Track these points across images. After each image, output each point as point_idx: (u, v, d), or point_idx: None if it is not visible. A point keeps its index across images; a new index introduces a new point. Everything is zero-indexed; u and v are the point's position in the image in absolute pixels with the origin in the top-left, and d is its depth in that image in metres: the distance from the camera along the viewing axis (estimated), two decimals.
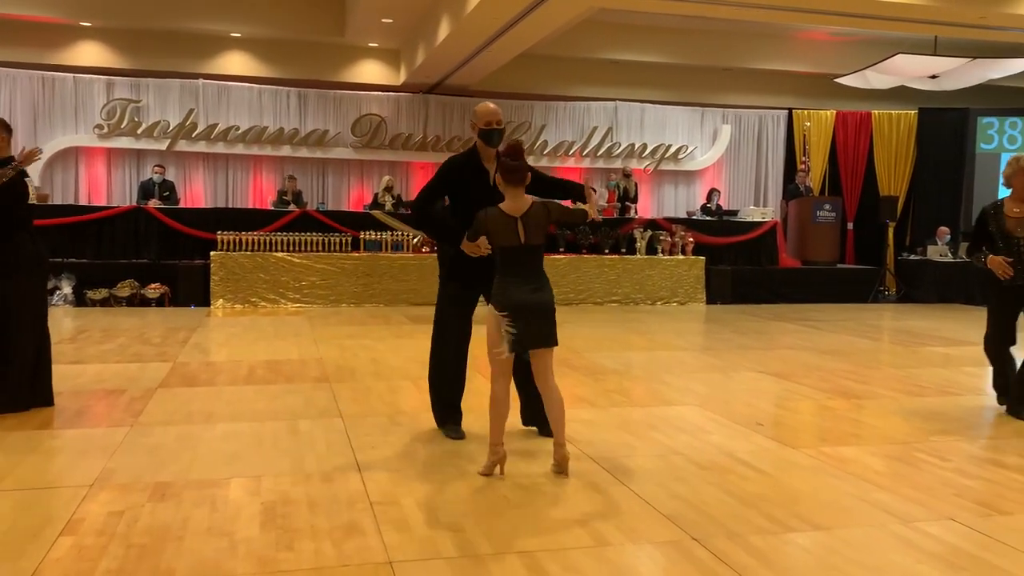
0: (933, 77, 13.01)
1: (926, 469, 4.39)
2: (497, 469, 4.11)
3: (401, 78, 14.41)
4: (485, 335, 4.15)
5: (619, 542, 3.33)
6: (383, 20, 12.49)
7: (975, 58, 12.30)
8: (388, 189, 13.11)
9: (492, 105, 4.68)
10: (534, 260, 4.12)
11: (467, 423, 4.95)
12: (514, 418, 5.01)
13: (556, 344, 4.15)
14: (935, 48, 12.36)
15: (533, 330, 4.02)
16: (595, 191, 4.70)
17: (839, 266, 14.41)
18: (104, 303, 10.87)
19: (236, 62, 13.97)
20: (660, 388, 6.39)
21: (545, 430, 4.69)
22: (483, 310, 4.36)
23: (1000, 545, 3.36)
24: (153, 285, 11.07)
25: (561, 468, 4.15)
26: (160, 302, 11.03)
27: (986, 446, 4.90)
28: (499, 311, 4.01)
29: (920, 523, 3.58)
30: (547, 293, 4.10)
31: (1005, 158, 15.49)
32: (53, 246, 9.89)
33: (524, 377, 4.55)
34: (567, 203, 4.69)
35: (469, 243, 4.31)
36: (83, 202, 13.19)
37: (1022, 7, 9.67)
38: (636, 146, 15.60)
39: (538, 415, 4.61)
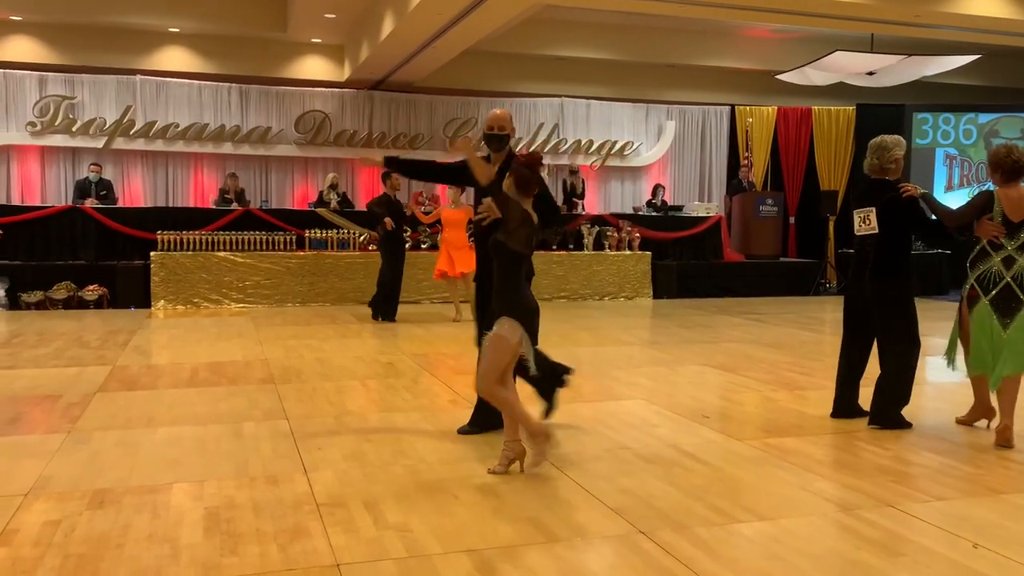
0: (870, 74, 13.30)
1: (866, 458, 4.49)
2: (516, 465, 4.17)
3: (345, 74, 14.25)
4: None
5: (567, 537, 3.34)
6: (326, 15, 12.34)
7: (910, 55, 12.61)
8: (333, 187, 12.97)
9: (498, 111, 4.86)
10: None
11: (413, 420, 4.91)
12: (457, 422, 5.01)
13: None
14: (872, 45, 12.64)
15: (534, 331, 4.18)
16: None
17: (782, 260, 14.68)
18: (39, 306, 10.56)
19: (175, 58, 13.67)
20: (608, 383, 6.43)
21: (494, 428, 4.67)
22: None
23: (938, 530, 3.45)
24: (91, 287, 10.79)
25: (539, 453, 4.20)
26: (98, 304, 10.76)
27: (922, 434, 5.02)
28: (520, 318, 4.08)
29: (860, 511, 3.66)
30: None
31: (940, 153, 15.99)
32: None
33: None
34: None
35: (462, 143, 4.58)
36: (16, 202, 12.78)
37: (954, 6, 9.95)
38: (582, 142, 15.67)
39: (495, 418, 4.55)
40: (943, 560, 3.17)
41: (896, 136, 5.39)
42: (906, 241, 5.21)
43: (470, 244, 10.13)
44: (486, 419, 4.76)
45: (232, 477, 4.04)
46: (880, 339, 5.17)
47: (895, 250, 5.17)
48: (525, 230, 4.07)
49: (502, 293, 4.12)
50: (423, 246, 12.05)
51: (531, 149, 15.43)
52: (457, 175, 5.02)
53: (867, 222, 5.28)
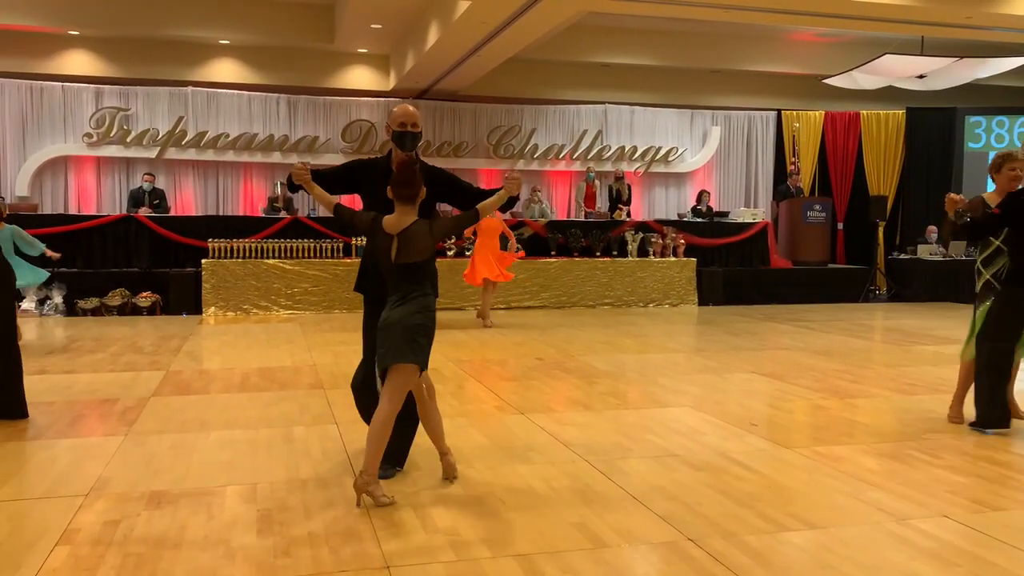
0: (920, 77, 13.09)
1: (919, 467, 4.42)
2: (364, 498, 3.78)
3: (391, 83, 14.41)
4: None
5: (616, 544, 3.34)
6: (372, 26, 12.50)
7: (962, 58, 12.38)
8: None
9: (410, 107, 4.35)
10: (405, 277, 3.83)
11: (459, 425, 4.94)
12: (504, 428, 5.02)
13: (411, 361, 3.81)
14: (922, 48, 12.43)
15: (384, 349, 3.78)
16: (515, 175, 4.17)
17: (830, 266, 14.48)
18: (95, 312, 10.83)
19: (225, 69, 13.96)
20: (654, 390, 6.41)
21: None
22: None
23: (993, 541, 3.39)
24: (144, 294, 11.04)
25: (448, 475, 4.13)
26: (151, 311, 11.00)
27: (978, 443, 4.92)
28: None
29: (914, 520, 3.61)
30: (408, 308, 3.81)
31: (993, 157, 15.63)
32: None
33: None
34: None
35: (298, 167, 4.05)
36: (73, 211, 13.16)
37: (1007, 7, 9.75)
38: (626, 149, 15.64)
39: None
40: (1000, 571, 3.10)
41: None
42: None
43: (504, 252, 10.17)
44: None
45: (283, 480, 4.11)
46: None
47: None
48: (374, 239, 3.87)
49: None
50: (467, 253, 12.11)
51: (575, 155, 15.45)
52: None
53: None
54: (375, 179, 4.13)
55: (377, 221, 3.83)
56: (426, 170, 4.12)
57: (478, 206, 4.00)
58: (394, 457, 4.17)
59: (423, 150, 14.75)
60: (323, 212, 13.99)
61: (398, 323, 3.76)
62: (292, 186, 4.18)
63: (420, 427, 4.24)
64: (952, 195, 5.15)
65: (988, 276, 5.27)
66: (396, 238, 3.78)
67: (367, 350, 4.23)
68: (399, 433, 3.99)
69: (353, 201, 4.31)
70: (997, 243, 5.24)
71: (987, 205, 5.26)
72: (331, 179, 4.20)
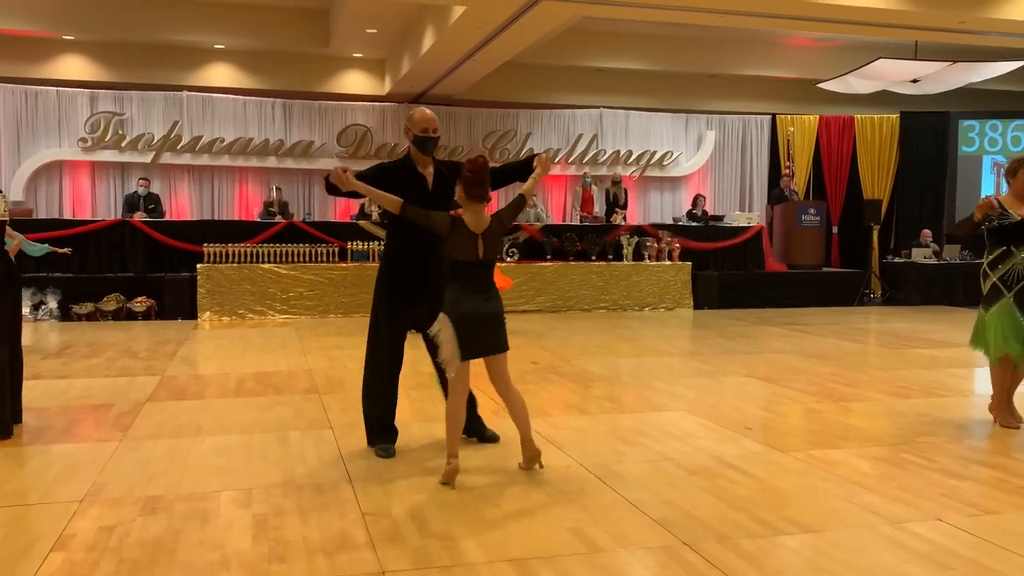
0: (914, 81, 13.13)
1: (913, 470, 4.43)
2: (538, 464, 4.27)
3: (386, 88, 14.43)
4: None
5: (611, 548, 3.34)
6: (368, 30, 12.51)
7: (955, 62, 12.43)
8: None
9: (429, 112, 4.56)
10: (488, 273, 4.21)
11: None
12: (501, 432, 5.01)
13: (507, 349, 4.28)
14: (916, 52, 12.48)
15: (480, 339, 4.12)
16: (544, 157, 4.62)
17: (824, 270, 14.50)
18: (90, 317, 10.82)
19: (220, 74, 13.96)
20: (649, 394, 6.41)
21: (482, 436, 4.87)
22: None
23: (988, 544, 3.40)
24: (139, 298, 11.02)
25: (531, 463, 4.28)
26: (146, 315, 10.98)
27: (972, 447, 4.94)
28: (452, 322, 4.07)
29: (908, 524, 3.62)
30: (498, 302, 4.22)
31: (987, 160, 15.71)
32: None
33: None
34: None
35: (338, 172, 4.22)
36: (67, 216, 13.14)
37: (1000, 11, 9.80)
38: (621, 153, 15.67)
39: (466, 426, 4.66)
40: (994, 575, 3.12)
41: None
42: None
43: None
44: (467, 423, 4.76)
45: (279, 485, 4.11)
46: None
47: None
48: (456, 238, 4.07)
49: (445, 295, 4.17)
50: None
51: (570, 159, 15.47)
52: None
53: None
54: (406, 182, 4.38)
55: (458, 221, 4.06)
56: (450, 166, 4.57)
57: (521, 191, 4.37)
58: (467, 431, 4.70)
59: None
60: (319, 216, 14.03)
61: (497, 316, 4.16)
62: (331, 188, 4.36)
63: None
64: (991, 199, 5.13)
65: (995, 279, 5.22)
66: (481, 237, 4.05)
67: (394, 345, 4.58)
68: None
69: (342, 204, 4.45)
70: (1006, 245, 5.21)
71: (1003, 208, 5.17)
72: (368, 181, 4.33)
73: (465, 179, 4.06)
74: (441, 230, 4.09)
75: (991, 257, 5.29)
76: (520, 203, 4.36)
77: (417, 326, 4.65)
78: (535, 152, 15.04)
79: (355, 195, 4.45)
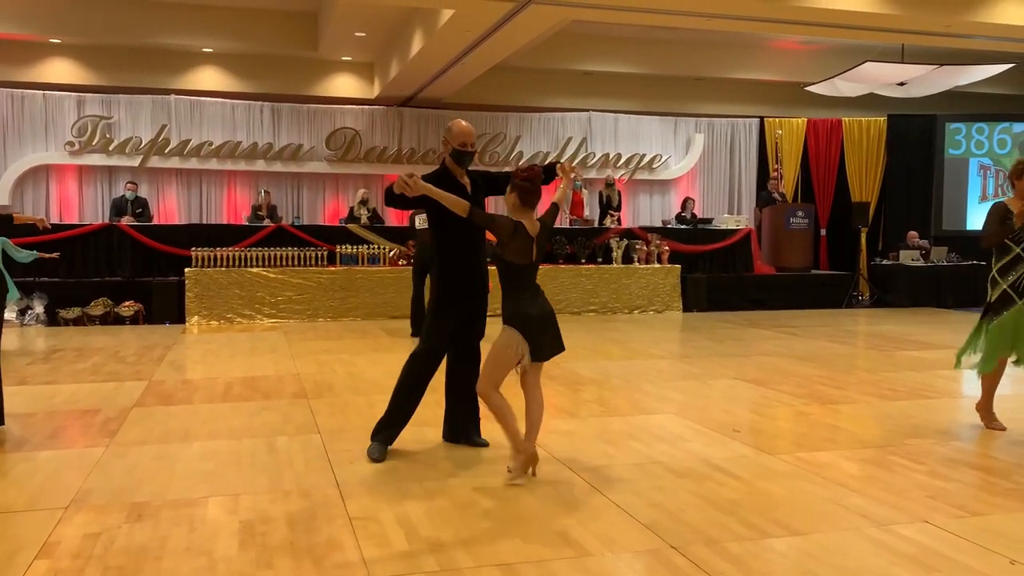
0: (901, 84, 13.20)
1: (900, 472, 4.45)
2: (531, 470, 4.29)
3: (375, 91, 14.41)
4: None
5: (599, 552, 3.34)
6: (356, 34, 12.50)
7: (941, 65, 12.50)
8: (364, 202, 13.10)
9: (468, 125, 4.70)
10: (536, 275, 4.38)
11: (442, 434, 4.95)
12: (490, 436, 5.01)
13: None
14: (902, 56, 12.55)
15: (550, 339, 4.29)
16: (568, 165, 4.83)
17: (813, 272, 14.55)
18: (77, 322, 10.76)
19: (208, 77, 13.91)
20: (638, 397, 6.42)
21: (470, 440, 4.90)
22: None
23: (973, 546, 3.41)
24: (127, 303, 10.98)
25: (526, 467, 4.27)
26: (134, 320, 10.93)
27: (959, 448, 4.96)
28: (517, 326, 4.20)
29: (895, 526, 3.63)
30: (549, 303, 4.40)
31: (973, 163, 15.80)
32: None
33: (457, 390, 4.84)
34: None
35: (405, 178, 4.20)
36: (54, 220, 13.04)
37: (985, 15, 9.86)
38: (611, 156, 15.70)
39: (459, 429, 4.89)
40: None
41: None
42: None
43: None
44: (454, 429, 4.95)
45: (266, 491, 4.09)
46: None
47: None
48: (517, 241, 4.19)
49: (503, 303, 4.28)
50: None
51: (560, 163, 15.45)
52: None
53: None
54: (448, 190, 4.42)
55: (519, 226, 4.20)
56: (482, 175, 4.82)
57: (554, 200, 4.61)
58: (458, 434, 4.89)
59: (408, 157, 14.77)
60: (308, 220, 14.01)
61: (554, 316, 4.33)
62: (391, 199, 4.42)
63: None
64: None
65: (1006, 286, 5.07)
66: (535, 240, 4.24)
67: (442, 346, 4.70)
68: (464, 410, 4.83)
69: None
70: (1018, 250, 5.08)
71: (1008, 211, 5.07)
72: (410, 197, 4.33)
73: (522, 187, 4.24)
74: (504, 233, 4.20)
75: (1001, 263, 5.10)
76: (555, 211, 4.52)
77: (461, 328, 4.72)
78: (525, 155, 15.08)
79: (417, 204, 4.50)
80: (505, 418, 4.23)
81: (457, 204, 4.25)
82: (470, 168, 4.73)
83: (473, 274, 4.67)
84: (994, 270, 5.17)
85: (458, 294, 4.66)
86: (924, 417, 5.74)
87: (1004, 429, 5.31)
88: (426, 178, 4.66)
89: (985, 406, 5.41)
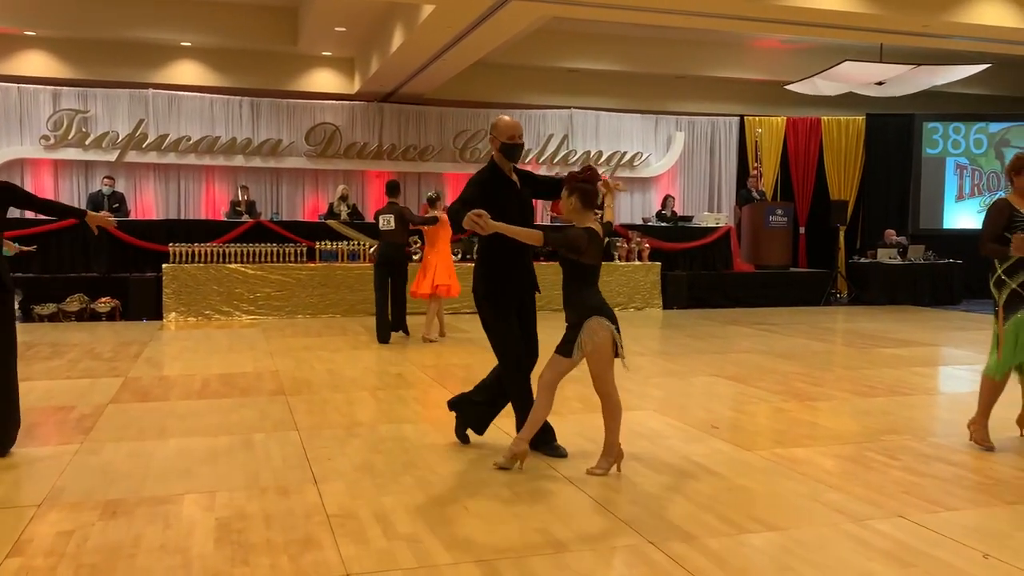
0: (880, 83, 13.29)
1: (876, 468, 4.48)
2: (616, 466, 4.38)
3: (355, 87, 14.34)
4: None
5: (577, 548, 3.34)
6: (336, 29, 12.43)
7: (919, 65, 12.60)
8: (343, 198, 13.04)
9: (513, 119, 4.70)
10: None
11: (423, 431, 4.92)
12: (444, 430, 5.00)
13: None
14: (881, 55, 12.64)
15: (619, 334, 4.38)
16: (611, 182, 4.79)
17: (792, 270, 14.64)
18: (52, 318, 10.63)
19: (187, 71, 13.79)
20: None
21: (482, 430, 4.94)
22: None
23: (948, 541, 3.44)
24: (103, 299, 10.86)
25: (613, 463, 4.36)
26: (111, 316, 10.82)
27: (934, 444, 5.01)
28: (610, 322, 4.33)
29: (871, 521, 3.65)
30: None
31: (950, 162, 15.94)
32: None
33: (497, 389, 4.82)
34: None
35: (474, 217, 4.12)
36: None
37: (962, 16, 9.94)
38: (592, 153, 15.70)
39: (483, 423, 4.92)
40: (953, 571, 3.16)
41: None
42: None
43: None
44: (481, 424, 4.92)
45: (243, 488, 4.06)
46: None
47: None
48: (593, 247, 4.32)
49: (571, 300, 4.45)
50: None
51: (540, 160, 15.47)
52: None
53: None
54: (500, 189, 4.53)
55: (592, 232, 4.29)
56: (526, 173, 4.79)
57: (607, 219, 4.62)
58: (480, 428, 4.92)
59: (388, 153, 14.71)
60: (287, 215, 13.92)
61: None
62: (461, 228, 4.39)
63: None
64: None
65: (1014, 286, 4.87)
66: (602, 240, 4.40)
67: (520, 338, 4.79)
68: (489, 410, 4.87)
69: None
70: None
71: (1013, 208, 4.89)
72: (478, 207, 4.24)
73: (584, 191, 4.28)
74: (583, 244, 4.25)
75: (1007, 264, 4.91)
76: (610, 226, 4.63)
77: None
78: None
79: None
80: (541, 413, 4.44)
81: (531, 236, 4.30)
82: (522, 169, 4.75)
83: (523, 272, 4.77)
84: (1000, 271, 4.98)
85: (511, 293, 4.73)
86: (901, 414, 5.79)
87: (993, 449, 4.91)
88: (476, 177, 4.66)
89: (980, 420, 5.02)
